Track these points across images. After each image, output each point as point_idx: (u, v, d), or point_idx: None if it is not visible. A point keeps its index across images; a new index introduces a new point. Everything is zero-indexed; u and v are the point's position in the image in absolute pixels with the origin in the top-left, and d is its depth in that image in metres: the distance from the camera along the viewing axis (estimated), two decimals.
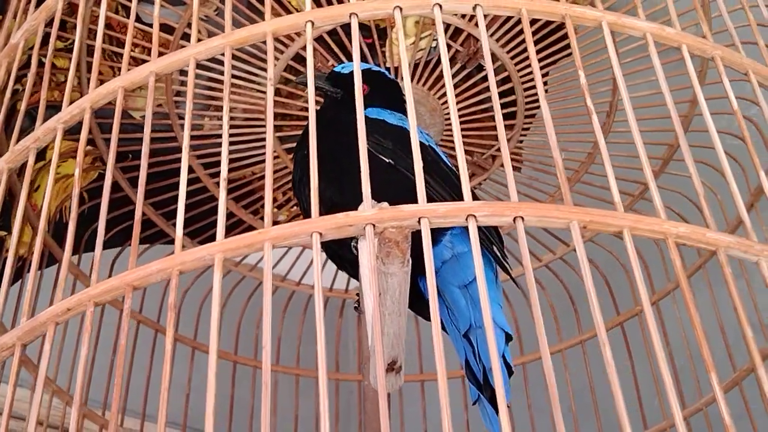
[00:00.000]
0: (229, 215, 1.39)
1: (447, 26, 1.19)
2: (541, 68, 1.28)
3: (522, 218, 0.61)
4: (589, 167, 1.37)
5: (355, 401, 1.53)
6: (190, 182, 1.34)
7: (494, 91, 0.69)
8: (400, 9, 0.72)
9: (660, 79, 0.72)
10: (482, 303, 0.56)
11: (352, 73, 1.04)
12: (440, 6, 0.72)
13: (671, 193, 1.34)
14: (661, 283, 1.41)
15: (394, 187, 0.86)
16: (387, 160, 0.89)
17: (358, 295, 0.88)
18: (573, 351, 1.45)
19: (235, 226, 1.40)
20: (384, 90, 1.05)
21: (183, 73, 1.26)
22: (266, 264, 0.61)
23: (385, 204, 0.63)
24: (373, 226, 0.61)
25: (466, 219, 0.61)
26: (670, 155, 1.36)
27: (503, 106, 1.30)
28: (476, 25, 1.18)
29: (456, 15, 1.16)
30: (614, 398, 0.56)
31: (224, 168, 0.67)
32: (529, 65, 1.25)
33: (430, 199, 0.86)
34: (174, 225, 1.39)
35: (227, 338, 1.47)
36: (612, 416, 1.35)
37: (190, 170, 1.34)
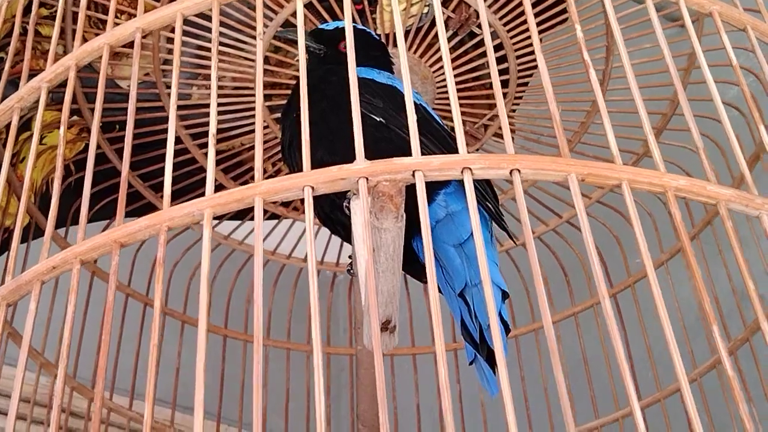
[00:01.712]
0: (219, 187, 1.37)
1: None
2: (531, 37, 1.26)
3: (519, 171, 0.59)
4: (581, 137, 1.35)
5: (346, 376, 1.52)
6: (177, 153, 1.32)
7: (490, 48, 0.68)
8: None
9: (657, 32, 0.71)
10: (479, 257, 0.55)
11: (336, 29, 1.03)
12: None
13: (667, 164, 1.33)
14: (654, 254, 1.40)
15: (385, 146, 0.84)
16: (378, 119, 0.88)
17: (350, 257, 0.86)
18: (566, 323, 1.44)
19: None
20: (370, 49, 1.03)
21: (170, 41, 1.24)
22: (257, 219, 0.59)
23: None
24: (366, 179, 0.59)
25: (462, 172, 0.59)
26: (664, 124, 1.34)
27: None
28: None
29: None
30: (618, 361, 0.54)
31: (213, 124, 0.66)
32: (522, 32, 1.24)
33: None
34: (163, 197, 1.38)
35: (217, 313, 1.45)
36: (605, 387, 1.34)
37: (178, 141, 1.32)
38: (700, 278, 0.59)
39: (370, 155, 0.63)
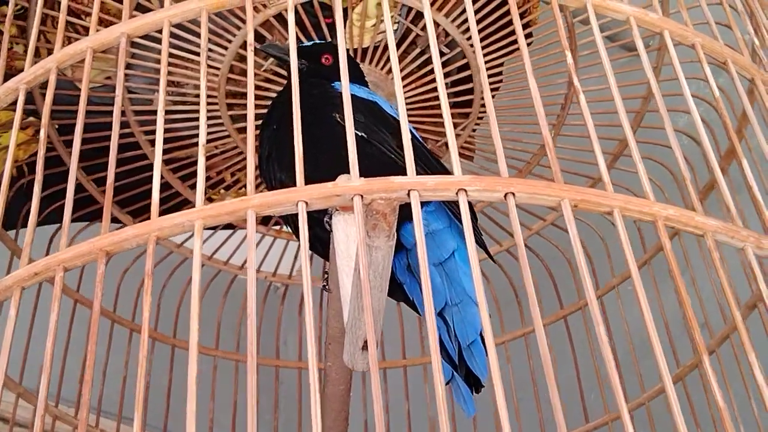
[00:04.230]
0: (175, 194, 1.35)
1: (409, 9, 1.18)
2: (497, 59, 1.27)
3: (513, 194, 0.59)
4: (540, 159, 1.37)
5: (294, 391, 1.50)
6: (136, 159, 1.30)
7: (480, 60, 0.68)
8: None
9: (641, 54, 0.72)
10: (475, 277, 0.55)
11: (314, 44, 1.03)
12: None
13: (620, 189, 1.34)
14: (605, 277, 1.42)
15: (368, 161, 0.84)
16: (360, 134, 0.88)
17: (326, 272, 0.86)
18: (516, 343, 1.45)
19: (182, 205, 1.37)
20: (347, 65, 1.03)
21: (134, 44, 1.22)
22: (249, 233, 0.58)
23: (349, 177, 0.62)
24: (362, 197, 0.59)
25: (457, 193, 0.59)
26: (621, 150, 1.37)
27: (460, 93, 1.29)
28: (438, 9, 1.17)
29: None
30: (607, 368, 0.54)
31: (203, 133, 0.65)
32: (489, 53, 1.24)
33: (406, 172, 0.85)
34: (117, 204, 1.36)
35: (168, 322, 1.43)
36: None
37: (137, 147, 1.30)
38: (683, 286, 0.60)
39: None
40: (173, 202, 1.36)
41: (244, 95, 1.28)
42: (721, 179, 0.68)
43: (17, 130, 0.72)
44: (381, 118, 0.90)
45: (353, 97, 0.90)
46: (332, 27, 1.18)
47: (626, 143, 1.33)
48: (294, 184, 0.60)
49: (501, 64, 1.31)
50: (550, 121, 1.33)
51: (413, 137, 0.93)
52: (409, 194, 0.59)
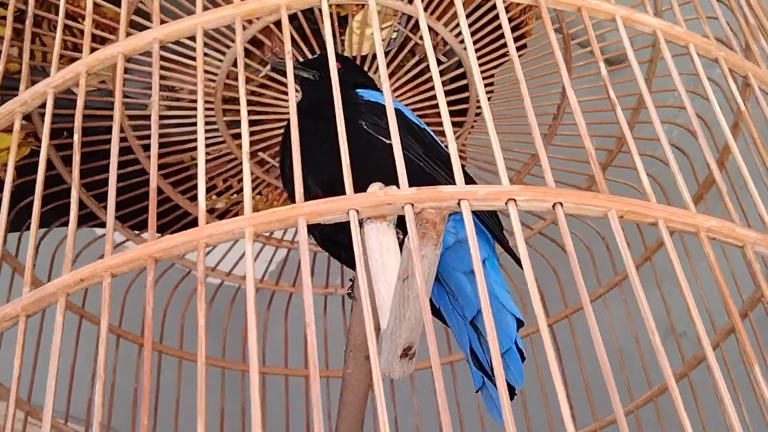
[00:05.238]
0: (166, 200, 1.34)
1: (408, 18, 1.18)
2: (488, 69, 1.28)
3: (561, 204, 0.60)
4: (531, 168, 1.38)
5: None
6: (127, 164, 1.29)
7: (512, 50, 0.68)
8: None
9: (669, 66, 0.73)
10: (528, 279, 0.55)
11: (322, 54, 1.03)
12: None
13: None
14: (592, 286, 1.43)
15: (395, 169, 0.84)
16: (387, 141, 0.88)
17: (351, 281, 0.86)
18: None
19: (171, 211, 1.36)
20: (355, 72, 1.04)
21: None
22: (301, 240, 0.58)
23: (381, 186, 0.62)
24: (412, 205, 0.59)
25: (506, 203, 0.60)
26: (610, 160, 1.38)
27: (455, 102, 1.30)
28: (438, 19, 1.17)
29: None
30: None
31: (245, 139, 0.65)
32: (486, 63, 1.25)
33: (434, 180, 0.85)
34: (105, 209, 1.34)
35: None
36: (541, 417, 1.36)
37: (129, 151, 1.29)
38: (721, 277, 0.61)
39: (381, 177, 0.64)
40: (162, 208, 1.35)
41: (238, 101, 1.27)
42: (751, 185, 0.69)
43: (47, 137, 0.72)
44: (406, 126, 0.90)
45: (376, 104, 0.91)
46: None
47: (615, 154, 1.36)
48: (321, 195, 0.60)
49: (492, 75, 1.32)
50: (542, 131, 1.34)
51: (438, 145, 0.93)
52: (459, 203, 0.59)
